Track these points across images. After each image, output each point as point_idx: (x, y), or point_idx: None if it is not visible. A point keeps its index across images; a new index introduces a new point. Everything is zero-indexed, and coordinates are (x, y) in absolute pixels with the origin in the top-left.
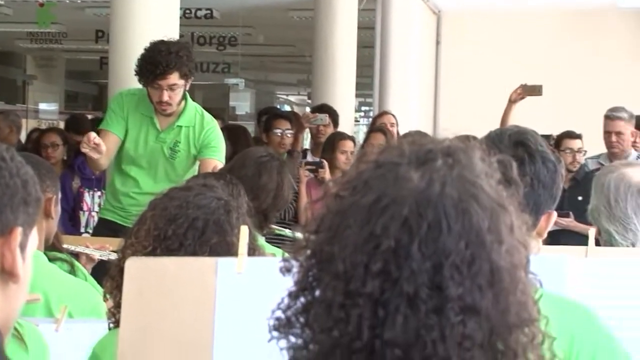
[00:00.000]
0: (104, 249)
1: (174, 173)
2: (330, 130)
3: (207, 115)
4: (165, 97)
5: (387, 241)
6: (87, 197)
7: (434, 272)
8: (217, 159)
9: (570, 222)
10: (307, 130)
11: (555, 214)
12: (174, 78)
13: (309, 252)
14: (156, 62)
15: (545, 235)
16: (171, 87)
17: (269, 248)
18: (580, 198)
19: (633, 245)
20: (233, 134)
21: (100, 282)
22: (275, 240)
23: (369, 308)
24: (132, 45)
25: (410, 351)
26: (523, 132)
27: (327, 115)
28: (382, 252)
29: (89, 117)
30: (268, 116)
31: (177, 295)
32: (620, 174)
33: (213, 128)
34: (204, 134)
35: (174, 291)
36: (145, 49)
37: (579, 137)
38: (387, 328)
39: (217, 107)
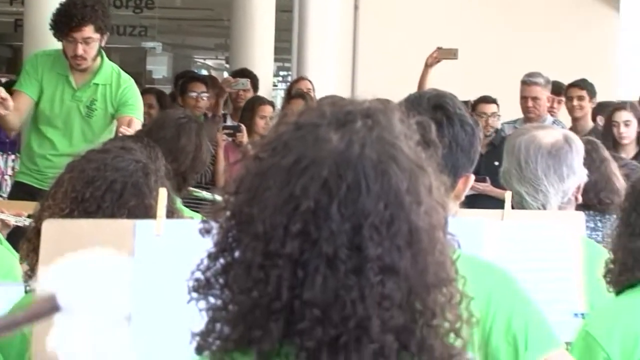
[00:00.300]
0: (21, 216)
1: (90, 133)
2: (250, 95)
3: (123, 73)
4: (80, 51)
5: (306, 202)
6: (0, 160)
7: (353, 232)
8: (134, 116)
9: (486, 187)
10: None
11: (472, 177)
12: (89, 31)
13: (228, 213)
14: (71, 14)
15: (463, 198)
16: (86, 41)
17: (187, 212)
18: (496, 163)
19: (543, 206)
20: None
21: (15, 248)
22: (193, 203)
23: (288, 269)
24: (47, 8)
25: (330, 311)
26: (442, 96)
27: (249, 80)
28: (301, 213)
29: (3, 80)
30: (184, 80)
31: (94, 257)
32: (531, 136)
33: (130, 86)
34: (121, 92)
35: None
36: (60, 3)
37: (493, 101)
38: (307, 288)
39: (134, 71)
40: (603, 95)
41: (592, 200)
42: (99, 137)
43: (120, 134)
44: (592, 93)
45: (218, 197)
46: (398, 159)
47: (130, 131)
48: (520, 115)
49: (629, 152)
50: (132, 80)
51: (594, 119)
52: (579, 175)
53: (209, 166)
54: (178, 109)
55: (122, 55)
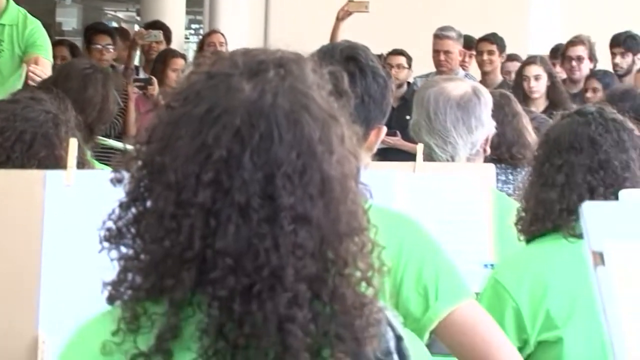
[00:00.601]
0: None
1: None
2: (162, 47)
3: (30, 16)
4: None
5: (218, 151)
6: None
7: (266, 182)
8: (43, 55)
9: (397, 141)
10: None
11: (385, 128)
12: None
13: (140, 162)
14: None
15: (375, 149)
16: None
17: (98, 165)
18: (408, 117)
19: (452, 158)
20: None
21: None
22: (104, 155)
23: (200, 218)
24: None
25: (242, 260)
26: (354, 47)
27: (161, 32)
28: (213, 162)
29: None
30: (90, 31)
31: (4, 207)
32: (440, 88)
33: (37, 27)
34: (28, 33)
35: (1, 203)
36: None
37: (401, 53)
38: (219, 238)
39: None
40: (514, 49)
41: (503, 154)
42: (7, 80)
43: (30, 72)
44: (502, 47)
45: (129, 147)
46: (310, 108)
47: (38, 69)
48: (433, 69)
49: (539, 106)
50: (40, 23)
51: (503, 73)
52: (487, 127)
53: (117, 118)
54: (83, 58)
55: (30, 6)
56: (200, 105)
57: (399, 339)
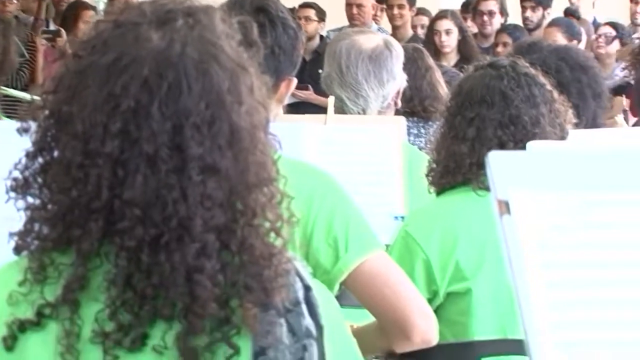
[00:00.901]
0: None
1: None
2: None
3: None
4: None
5: (126, 101)
6: None
7: (174, 132)
8: None
9: (309, 95)
10: None
11: (295, 80)
12: None
13: (47, 112)
14: None
15: (285, 101)
16: None
17: (3, 117)
18: (320, 71)
19: (364, 111)
20: None
21: None
22: (9, 108)
23: (108, 168)
24: None
25: (150, 211)
26: None
27: None
28: (121, 112)
29: None
30: None
31: None
32: (351, 41)
33: None
34: None
35: None
36: None
37: (310, 6)
38: (127, 188)
39: None
40: (425, 3)
41: (416, 107)
42: None
43: None
44: (412, 1)
45: (36, 97)
46: (219, 58)
47: None
48: (346, 23)
49: (450, 61)
50: None
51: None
52: (398, 81)
53: (24, 70)
54: None
55: None
56: (107, 54)
57: (307, 289)
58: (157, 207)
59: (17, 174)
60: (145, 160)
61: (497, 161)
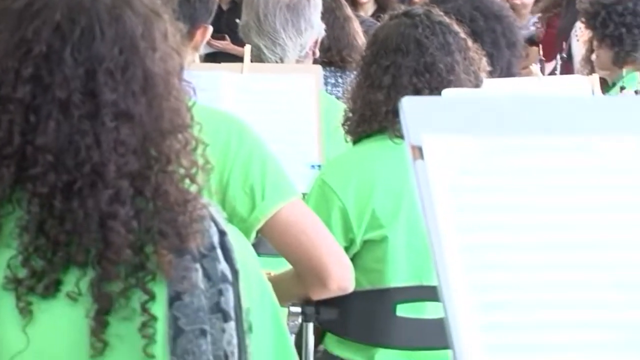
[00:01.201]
0: None
1: None
2: None
3: None
4: None
5: (38, 46)
6: None
7: (87, 78)
8: None
9: (227, 45)
10: None
11: (210, 28)
12: None
13: None
14: None
15: (201, 50)
16: None
17: None
18: (238, 20)
19: (281, 60)
20: None
21: None
22: None
23: (20, 114)
24: None
25: (63, 157)
26: None
27: None
28: (33, 57)
29: None
30: None
31: None
32: None
33: None
34: None
35: None
36: None
37: None
38: (39, 134)
39: None
40: None
41: (334, 57)
42: None
43: None
44: None
45: None
46: (133, 4)
47: None
48: None
49: (367, 11)
50: None
51: None
52: (316, 30)
53: None
54: None
55: None
56: (19, 0)
57: (222, 234)
58: (69, 153)
59: None
60: (58, 105)
61: (410, 107)
